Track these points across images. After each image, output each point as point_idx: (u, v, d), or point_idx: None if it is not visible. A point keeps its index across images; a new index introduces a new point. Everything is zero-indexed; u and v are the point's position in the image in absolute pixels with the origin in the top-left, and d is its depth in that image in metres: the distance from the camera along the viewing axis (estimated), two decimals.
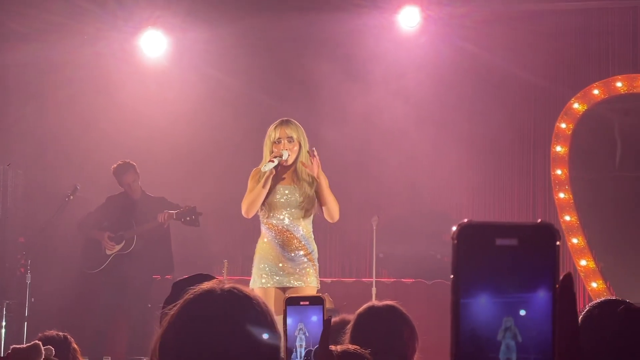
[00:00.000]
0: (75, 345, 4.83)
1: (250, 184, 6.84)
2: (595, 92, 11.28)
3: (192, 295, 2.04)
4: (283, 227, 6.76)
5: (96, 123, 11.44)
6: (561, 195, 11.16)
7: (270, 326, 2.05)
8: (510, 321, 1.12)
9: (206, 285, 2.07)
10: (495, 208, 11.54)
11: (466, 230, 1.14)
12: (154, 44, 11.61)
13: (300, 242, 6.75)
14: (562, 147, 11.26)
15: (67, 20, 11.13)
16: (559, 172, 11.23)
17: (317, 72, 11.41)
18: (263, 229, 6.88)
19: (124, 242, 9.87)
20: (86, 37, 11.33)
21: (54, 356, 3.98)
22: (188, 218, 9.74)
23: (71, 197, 10.21)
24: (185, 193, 11.21)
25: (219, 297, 2.02)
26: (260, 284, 6.72)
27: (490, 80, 11.41)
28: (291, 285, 6.70)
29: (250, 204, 6.75)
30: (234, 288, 2.05)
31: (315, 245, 6.86)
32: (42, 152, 11.44)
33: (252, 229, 11.83)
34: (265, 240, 6.84)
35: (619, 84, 11.25)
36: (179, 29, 11.56)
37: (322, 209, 6.80)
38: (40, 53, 11.13)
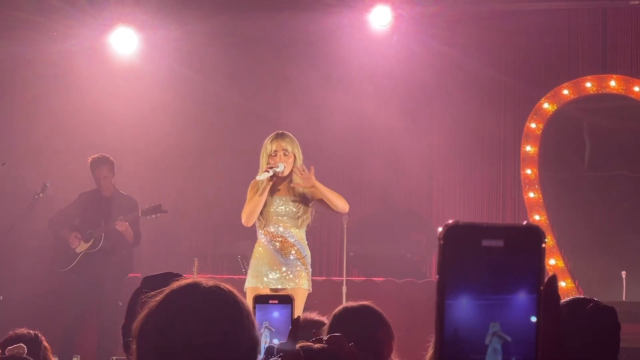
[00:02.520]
0: (46, 344, 4.80)
1: (249, 194, 7.10)
2: (565, 92, 11.35)
3: (177, 286, 2.06)
4: (278, 233, 7.06)
5: (66, 121, 11.37)
6: (531, 194, 11.22)
7: (251, 325, 2.06)
8: (497, 326, 1.12)
9: (192, 278, 2.10)
10: (465, 207, 11.58)
11: (452, 231, 1.15)
12: (124, 42, 11.55)
13: (294, 247, 7.07)
14: (531, 147, 11.33)
15: (36, 17, 11.05)
16: (528, 171, 11.29)
17: (288, 71, 11.41)
18: (259, 235, 7.17)
19: (92, 240, 9.81)
20: (55, 34, 11.25)
21: (25, 354, 3.95)
22: (154, 215, 9.76)
23: (41, 194, 10.15)
24: (155, 191, 11.19)
25: (203, 290, 2.04)
26: (254, 283, 7.02)
27: (461, 80, 11.45)
28: (283, 287, 6.99)
29: (249, 214, 7.01)
30: (219, 284, 2.07)
31: (309, 251, 7.20)
32: (11, 150, 11.34)
33: (221, 228, 11.86)
34: (262, 245, 7.13)
35: (588, 84, 11.33)
36: (150, 26, 11.50)
37: (329, 209, 7.15)
38: (8, 50, 11.04)
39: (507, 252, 1.14)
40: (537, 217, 11.11)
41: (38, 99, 11.39)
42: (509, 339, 1.12)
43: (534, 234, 1.15)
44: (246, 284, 7.09)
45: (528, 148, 11.33)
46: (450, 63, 11.47)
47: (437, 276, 1.15)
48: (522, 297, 1.13)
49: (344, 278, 9.56)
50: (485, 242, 1.14)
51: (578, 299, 3.19)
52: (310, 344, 2.91)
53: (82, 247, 9.84)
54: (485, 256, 1.13)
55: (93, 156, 9.88)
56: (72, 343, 9.61)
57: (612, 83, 11.28)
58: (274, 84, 11.50)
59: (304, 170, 6.95)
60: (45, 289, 10.04)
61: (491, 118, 11.57)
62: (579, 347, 2.91)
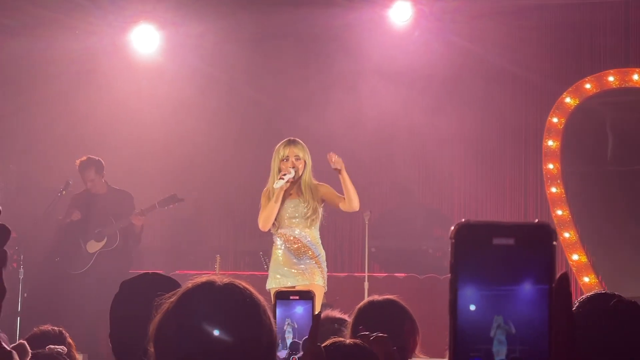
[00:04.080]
0: (71, 340, 4.83)
1: (263, 201, 7.43)
2: (587, 86, 11.30)
3: (191, 285, 2.05)
4: (293, 236, 7.37)
5: (87, 118, 11.42)
6: (553, 189, 11.18)
7: (268, 320, 2.06)
8: (500, 320, 1.13)
9: (206, 276, 2.09)
10: (487, 203, 11.56)
11: (464, 230, 1.16)
12: (145, 39, 11.59)
13: (308, 248, 7.37)
14: (553, 142, 11.28)
15: (58, 15, 11.09)
16: (550, 166, 11.25)
17: (308, 67, 11.41)
18: (275, 239, 7.47)
19: (105, 238, 9.85)
20: (77, 32, 11.30)
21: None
22: (171, 205, 9.84)
23: (63, 192, 10.20)
24: (176, 188, 11.20)
25: (218, 288, 2.04)
26: (275, 284, 7.32)
27: (482, 75, 11.42)
28: (298, 284, 7.27)
29: (265, 220, 7.35)
30: (234, 281, 2.07)
31: (323, 251, 7.49)
32: (33, 147, 11.40)
33: (243, 225, 11.88)
34: (279, 248, 7.43)
35: (611, 78, 11.27)
36: (171, 23, 11.54)
37: (340, 206, 7.37)
38: (30, 47, 11.10)
39: (518, 250, 1.15)
40: (559, 212, 11.06)
41: (60, 96, 11.44)
42: (513, 330, 1.13)
43: (545, 232, 1.15)
44: (268, 284, 7.37)
45: (550, 143, 11.29)
46: (471, 59, 11.44)
47: (450, 274, 1.16)
48: (533, 295, 1.14)
49: (366, 274, 9.55)
50: (496, 241, 1.15)
51: (600, 294, 3.16)
52: (341, 339, 2.92)
53: (95, 246, 9.88)
54: (497, 254, 1.15)
55: (80, 159, 9.92)
56: (95, 339, 9.65)
57: (635, 77, 11.22)
58: (294, 80, 11.49)
59: (335, 157, 7.19)
60: (65, 287, 10.08)
61: (512, 113, 11.53)
62: (603, 345, 2.88)
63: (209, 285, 2.05)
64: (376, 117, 11.25)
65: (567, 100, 11.31)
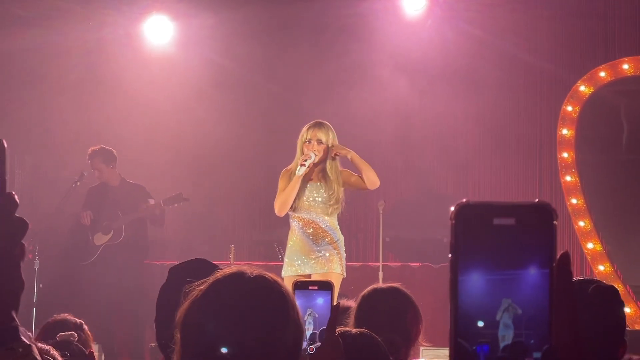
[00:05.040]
0: (89, 332, 4.84)
1: (280, 184, 7.22)
2: (602, 74, 11.25)
3: (221, 275, 2.04)
4: (311, 219, 7.17)
5: (101, 109, 11.44)
6: (568, 178, 11.14)
7: (296, 315, 2.04)
8: (508, 302, 1.13)
9: (236, 267, 2.08)
10: (501, 191, 11.53)
11: (464, 210, 1.15)
12: (158, 30, 11.60)
13: (326, 232, 7.17)
14: (568, 130, 11.24)
15: (72, 6, 11.12)
16: (565, 155, 11.21)
17: (321, 57, 11.40)
18: (291, 221, 7.27)
19: (112, 232, 9.87)
20: (91, 23, 11.32)
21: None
22: (176, 204, 9.83)
23: (78, 183, 10.23)
24: (190, 178, 11.23)
25: (248, 280, 2.02)
26: (291, 272, 7.12)
27: (496, 64, 11.38)
28: (315, 272, 7.08)
29: (282, 204, 7.14)
30: (264, 274, 2.05)
31: (342, 236, 7.28)
32: (48, 139, 11.43)
33: (258, 215, 11.89)
34: (296, 233, 7.22)
35: (625, 66, 11.22)
36: (184, 14, 11.55)
37: (360, 188, 7.27)
38: (44, 39, 11.12)
39: (518, 230, 1.14)
40: (574, 201, 11.03)
41: (73, 87, 11.46)
42: (519, 310, 1.12)
43: (545, 212, 1.14)
44: (284, 272, 7.17)
45: (564, 131, 11.25)
46: (485, 47, 11.40)
47: (450, 255, 1.15)
48: (534, 274, 1.13)
49: (380, 263, 9.55)
50: (497, 221, 1.14)
51: (580, 280, 3.18)
52: (348, 328, 2.92)
53: (101, 239, 9.91)
54: (497, 234, 1.14)
55: (93, 147, 9.92)
56: (108, 330, 9.69)
57: None
58: (307, 71, 11.47)
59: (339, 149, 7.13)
60: (77, 278, 10.12)
61: (527, 102, 11.51)
62: (584, 328, 2.89)
63: (238, 275, 2.04)
64: (390, 106, 11.23)
65: (582, 88, 11.26)
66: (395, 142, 11.49)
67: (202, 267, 2.97)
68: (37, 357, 1.35)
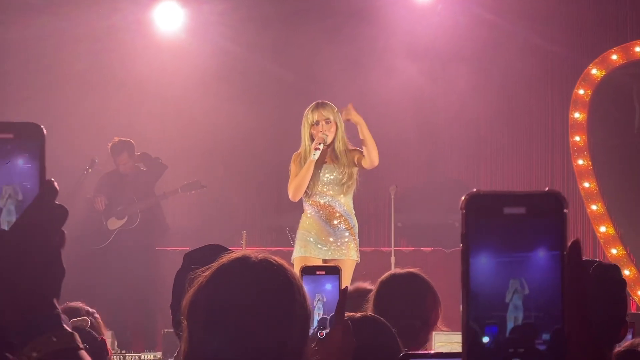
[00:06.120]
0: (100, 319, 4.86)
1: (293, 168, 7.11)
2: (614, 57, 11.20)
3: (226, 260, 2.04)
4: (325, 203, 7.06)
5: (111, 96, 11.44)
6: (580, 161, 11.11)
7: (303, 298, 2.04)
8: (516, 283, 1.13)
9: (241, 252, 2.07)
10: (513, 175, 11.52)
11: (474, 200, 1.16)
12: (169, 16, 11.59)
13: (342, 216, 7.06)
14: (580, 114, 11.20)
15: None
16: (577, 138, 11.18)
17: (332, 43, 11.36)
18: (306, 206, 7.17)
19: (126, 217, 9.91)
20: (101, 9, 11.30)
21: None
22: (193, 191, 9.87)
23: (89, 170, 10.26)
24: (202, 165, 11.24)
25: (253, 264, 2.02)
26: (302, 252, 7.03)
27: (507, 48, 11.34)
28: (331, 258, 6.98)
29: (296, 189, 7.02)
30: (269, 258, 2.05)
31: (356, 221, 7.18)
32: (59, 125, 11.42)
33: (270, 201, 11.89)
34: (309, 215, 7.13)
35: (637, 49, 11.17)
36: (194, 0, 11.53)
37: (361, 163, 7.07)
38: (54, 26, 11.10)
39: (529, 219, 1.14)
40: (586, 185, 11.00)
41: (84, 74, 11.44)
42: (527, 290, 1.13)
43: (556, 200, 1.15)
44: (294, 254, 7.10)
45: (577, 115, 11.21)
46: (496, 32, 11.36)
47: (461, 245, 1.15)
48: (545, 263, 1.14)
49: (392, 248, 9.56)
50: (507, 210, 1.14)
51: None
52: (353, 313, 2.91)
53: (115, 224, 9.94)
54: (508, 223, 1.14)
55: (113, 141, 9.97)
56: (120, 316, 9.72)
57: None
58: (316, 57, 11.44)
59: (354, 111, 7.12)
60: (90, 264, 10.14)
61: (538, 85, 11.48)
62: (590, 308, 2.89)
63: (243, 260, 2.03)
64: (401, 91, 11.20)
65: (594, 71, 11.22)
66: (406, 127, 11.46)
67: (217, 253, 2.98)
68: (79, 344, 1.35)
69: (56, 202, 1.33)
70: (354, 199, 7.25)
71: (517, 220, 1.14)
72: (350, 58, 11.31)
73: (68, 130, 11.31)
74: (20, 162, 1.34)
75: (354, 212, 7.17)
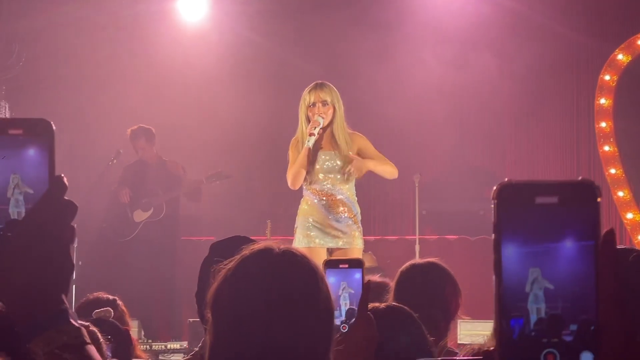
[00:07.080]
0: (124, 307, 4.88)
1: (291, 155, 6.89)
2: None
3: (249, 252, 2.04)
4: (327, 191, 6.80)
5: (135, 85, 11.45)
6: (606, 148, 11.04)
7: (325, 289, 2.03)
8: (536, 272, 1.12)
9: (264, 243, 2.07)
10: (539, 162, 11.47)
11: (506, 190, 1.15)
12: (192, 6, 11.61)
13: (344, 204, 6.81)
14: (606, 100, 11.13)
15: None
16: (603, 124, 11.11)
17: (353, 33, 11.34)
18: (306, 194, 6.93)
19: (152, 209, 9.95)
20: None
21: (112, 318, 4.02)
22: (218, 182, 9.91)
23: (114, 160, 10.29)
24: (224, 154, 11.25)
25: (276, 256, 2.02)
26: (305, 243, 6.78)
27: (531, 35, 11.28)
28: (337, 247, 6.79)
29: (294, 176, 6.78)
30: (291, 249, 2.05)
31: (359, 208, 6.92)
32: (83, 115, 11.44)
33: (294, 190, 11.88)
34: (309, 203, 6.89)
35: None
36: None
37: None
38: (77, 14, 11.12)
39: (561, 209, 1.13)
40: (612, 171, 10.94)
41: (106, 62, 11.46)
42: (551, 286, 1.12)
43: (589, 189, 1.14)
44: (295, 243, 6.83)
45: (602, 101, 11.14)
46: (520, 18, 11.30)
47: (493, 235, 1.14)
48: (578, 252, 1.13)
49: (417, 237, 9.54)
50: (539, 200, 1.13)
51: (619, 249, 3.14)
52: (376, 304, 2.91)
53: (141, 216, 9.99)
54: (540, 213, 1.13)
55: (132, 128, 10.02)
56: (146, 306, 9.77)
57: None
58: (338, 47, 11.41)
59: (351, 164, 6.71)
60: (115, 255, 10.20)
61: (563, 72, 11.42)
62: (625, 299, 2.86)
63: (266, 252, 2.03)
64: (423, 79, 11.16)
65: (620, 57, 11.14)
66: (428, 115, 11.42)
67: (243, 244, 2.98)
68: (86, 339, 1.36)
69: (65, 198, 1.33)
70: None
71: (549, 209, 1.13)
72: (374, 48, 11.27)
73: (93, 119, 11.35)
74: (30, 158, 1.35)
75: (356, 199, 6.90)
